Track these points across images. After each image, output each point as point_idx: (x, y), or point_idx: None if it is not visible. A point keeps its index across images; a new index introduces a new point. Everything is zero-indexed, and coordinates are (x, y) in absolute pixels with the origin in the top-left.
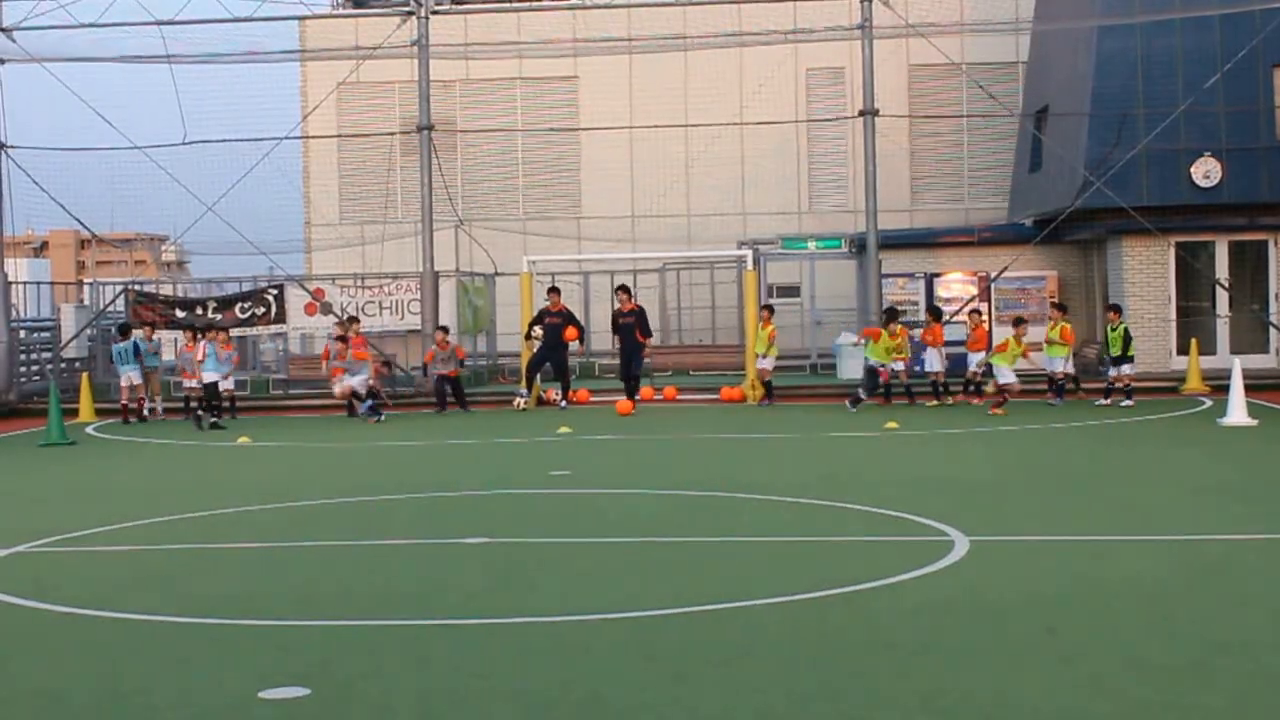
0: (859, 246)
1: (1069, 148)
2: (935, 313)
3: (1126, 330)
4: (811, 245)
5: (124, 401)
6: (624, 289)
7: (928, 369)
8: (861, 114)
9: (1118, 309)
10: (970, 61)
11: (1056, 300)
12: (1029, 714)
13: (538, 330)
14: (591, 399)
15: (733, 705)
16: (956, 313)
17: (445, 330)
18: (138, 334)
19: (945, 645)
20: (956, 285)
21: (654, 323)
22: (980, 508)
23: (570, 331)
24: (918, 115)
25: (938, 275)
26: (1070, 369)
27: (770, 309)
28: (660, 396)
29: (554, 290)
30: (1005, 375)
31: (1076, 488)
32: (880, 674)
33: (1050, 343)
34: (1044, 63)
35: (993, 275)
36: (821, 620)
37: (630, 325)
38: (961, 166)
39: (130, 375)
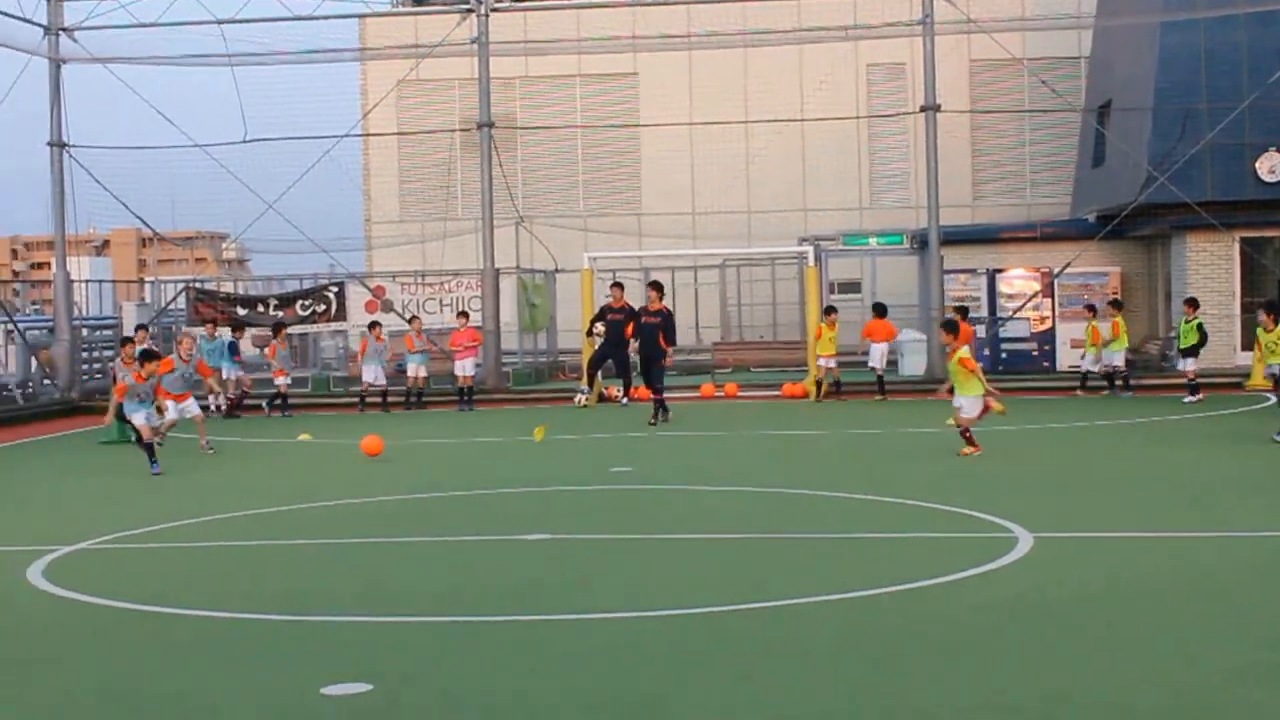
0: (921, 242)
1: (1132, 143)
2: (961, 311)
3: (1201, 325)
4: (873, 241)
5: (224, 396)
6: (655, 285)
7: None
8: (923, 109)
9: (1195, 303)
10: (1032, 57)
11: (1116, 298)
12: (1090, 712)
13: (600, 327)
14: (652, 396)
15: (795, 703)
16: (1019, 309)
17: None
18: (222, 333)
19: (1007, 642)
20: (1019, 281)
21: (714, 318)
22: (1043, 504)
23: (632, 328)
24: (979, 110)
25: (1000, 271)
26: (1116, 363)
27: (833, 310)
28: (722, 393)
29: (617, 286)
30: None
31: (1140, 484)
32: (942, 672)
33: (1108, 340)
34: (1106, 57)
35: (1055, 271)
36: (884, 617)
37: (654, 327)
38: (1024, 162)
39: (235, 373)
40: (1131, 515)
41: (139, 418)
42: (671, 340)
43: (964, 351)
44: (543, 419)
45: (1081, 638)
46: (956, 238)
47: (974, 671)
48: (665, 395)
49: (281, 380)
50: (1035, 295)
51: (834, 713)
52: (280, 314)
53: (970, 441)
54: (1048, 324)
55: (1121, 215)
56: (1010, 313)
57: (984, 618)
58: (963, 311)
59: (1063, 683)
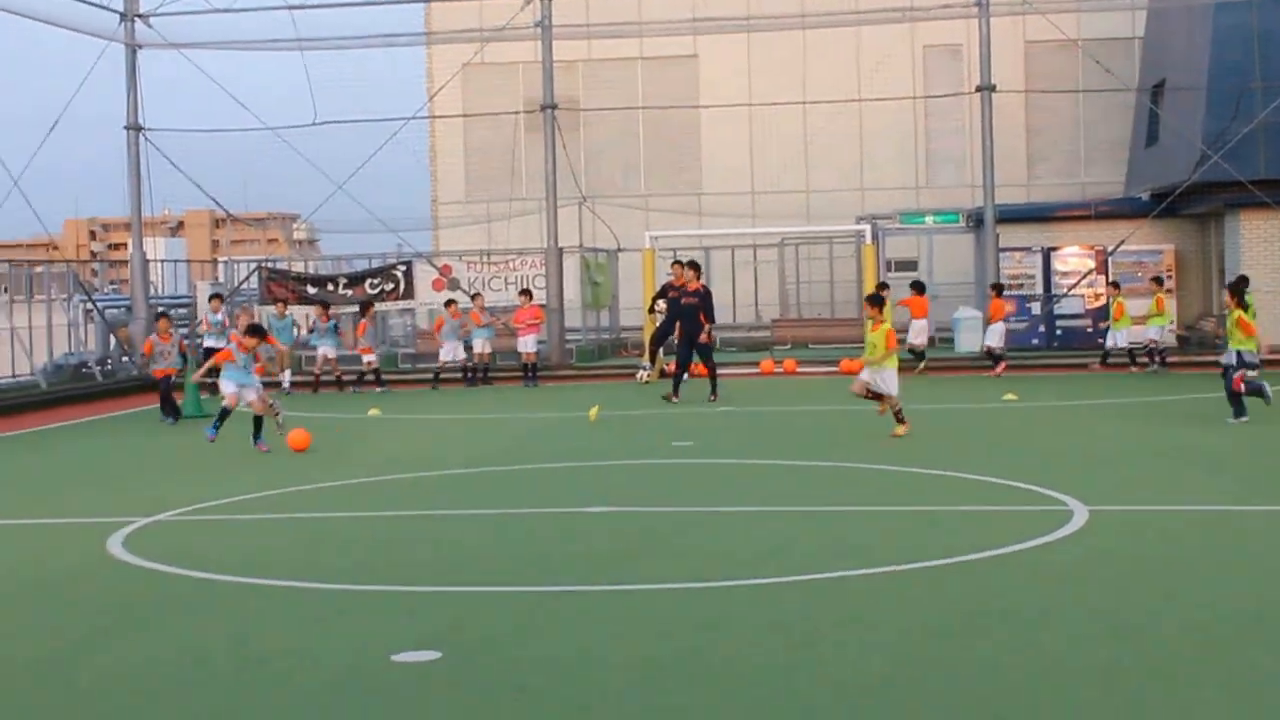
0: (976, 221)
1: (1186, 122)
2: (997, 289)
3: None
4: (929, 220)
5: (317, 373)
6: (693, 265)
7: (987, 342)
8: (979, 90)
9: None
10: (1086, 37)
11: (1157, 275)
12: (1148, 680)
13: (661, 304)
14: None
15: (856, 671)
16: (1074, 286)
17: (167, 318)
18: (292, 311)
19: (1063, 615)
20: (1073, 259)
21: (773, 296)
22: (1099, 478)
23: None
24: (1034, 91)
25: (1054, 249)
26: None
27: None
28: (781, 369)
29: (678, 264)
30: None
31: (1195, 458)
32: (999, 643)
33: (1147, 316)
34: (1160, 37)
35: (1109, 249)
36: (941, 589)
37: (694, 307)
38: (1078, 141)
39: (326, 350)
40: (1186, 490)
41: (229, 387)
42: (711, 318)
43: (889, 326)
44: (605, 395)
45: (1138, 609)
46: (1012, 216)
47: (1033, 642)
48: (707, 374)
49: (369, 357)
50: (1089, 273)
51: (894, 682)
52: (350, 293)
53: (900, 420)
54: (1101, 300)
55: (1175, 194)
56: (1065, 290)
57: (1042, 589)
58: (919, 287)
59: (1119, 653)
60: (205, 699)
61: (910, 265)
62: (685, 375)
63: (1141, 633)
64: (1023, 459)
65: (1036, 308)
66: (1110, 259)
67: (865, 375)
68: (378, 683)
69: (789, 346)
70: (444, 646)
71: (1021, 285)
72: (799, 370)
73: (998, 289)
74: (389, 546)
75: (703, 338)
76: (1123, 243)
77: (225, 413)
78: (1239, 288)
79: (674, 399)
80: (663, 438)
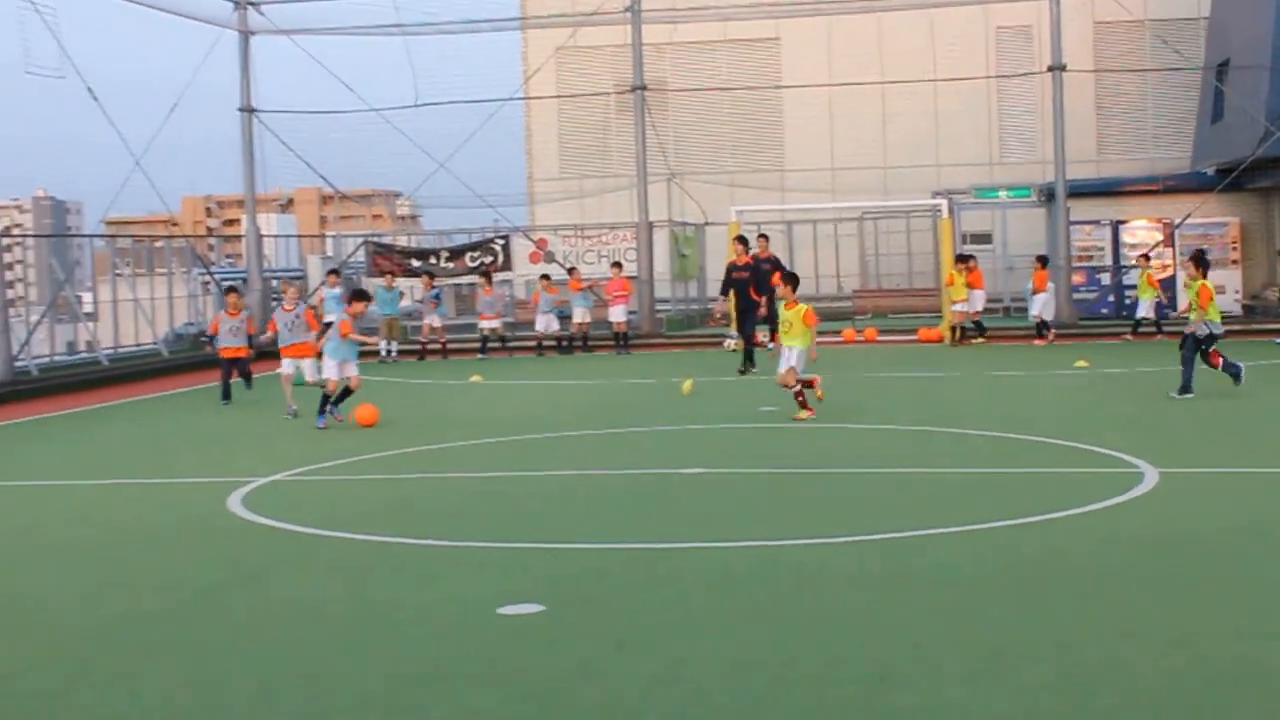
0: (1048, 195)
1: (1250, 99)
2: (1042, 260)
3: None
4: (1003, 194)
5: (423, 341)
6: (742, 240)
7: (1034, 312)
8: (1050, 70)
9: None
10: (1154, 18)
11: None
12: (1218, 638)
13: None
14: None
15: (931, 628)
16: (1141, 256)
17: (237, 292)
18: (399, 283)
19: (1136, 574)
20: (1141, 231)
21: (853, 267)
22: (1171, 442)
23: (777, 277)
24: (1104, 70)
25: (1123, 222)
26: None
27: (963, 258)
28: (861, 338)
29: (763, 237)
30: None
31: (1263, 422)
32: (1074, 601)
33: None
34: (1225, 18)
35: (1176, 222)
36: (1014, 548)
37: (745, 281)
38: (1146, 118)
39: (430, 320)
40: (1258, 454)
41: (331, 370)
42: (762, 291)
43: (808, 307)
44: (693, 363)
45: (1208, 569)
46: (1082, 190)
47: (1107, 601)
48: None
49: (487, 324)
50: (1157, 245)
51: (970, 640)
52: (451, 265)
53: (804, 405)
54: (1169, 272)
55: (1240, 168)
56: (1133, 261)
57: (1115, 549)
58: (1043, 260)
59: (1191, 612)
60: (320, 648)
61: (985, 239)
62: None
63: (1212, 590)
64: (1095, 423)
65: (1106, 279)
66: (1177, 231)
67: (793, 362)
68: (484, 634)
69: (869, 316)
70: (547, 600)
71: (1091, 257)
72: (879, 338)
73: (1043, 261)
74: (493, 505)
75: (762, 311)
76: (1189, 216)
77: (326, 399)
78: (1201, 259)
79: (750, 370)
80: (749, 403)
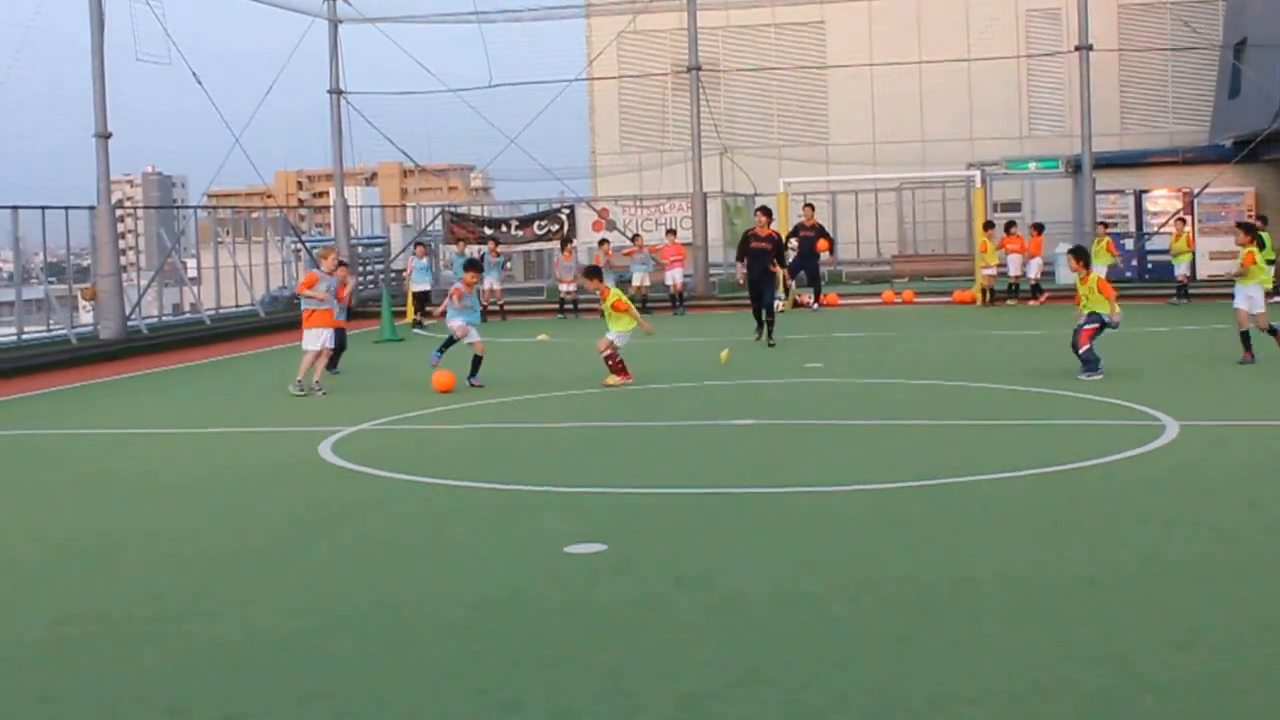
0: (1075, 167)
1: (1266, 76)
2: (1038, 227)
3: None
4: (1032, 166)
5: (484, 304)
6: (764, 210)
7: (1030, 275)
8: (1076, 49)
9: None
10: (1174, 0)
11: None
12: (1236, 576)
13: (793, 242)
14: (840, 301)
15: (972, 566)
16: (1164, 224)
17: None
18: (473, 249)
19: (1158, 518)
20: (1163, 200)
21: (892, 234)
22: (1189, 396)
23: (822, 243)
24: (1126, 49)
25: (1145, 192)
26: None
27: (991, 225)
28: (900, 300)
29: (808, 206)
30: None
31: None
32: (1100, 541)
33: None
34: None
35: (1195, 191)
36: (1045, 494)
37: (765, 252)
38: (1166, 94)
39: (493, 283)
40: (1272, 406)
41: (457, 320)
42: (783, 263)
43: (616, 294)
44: (744, 324)
45: (1228, 514)
46: (1106, 162)
47: (1131, 540)
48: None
49: (565, 287)
50: (1177, 213)
51: (1008, 576)
52: (521, 233)
53: (618, 370)
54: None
55: (1256, 141)
56: (1155, 228)
57: (1137, 496)
58: (1039, 227)
59: (1210, 550)
60: (404, 581)
61: (1015, 207)
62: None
63: (1230, 534)
64: (1117, 379)
65: (1129, 244)
66: (1196, 200)
67: (609, 335)
68: (552, 570)
69: (907, 279)
70: (610, 540)
71: (1116, 224)
72: (916, 300)
73: (1039, 228)
74: (561, 452)
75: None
76: (1208, 185)
77: (451, 341)
78: (1250, 227)
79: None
80: (796, 360)
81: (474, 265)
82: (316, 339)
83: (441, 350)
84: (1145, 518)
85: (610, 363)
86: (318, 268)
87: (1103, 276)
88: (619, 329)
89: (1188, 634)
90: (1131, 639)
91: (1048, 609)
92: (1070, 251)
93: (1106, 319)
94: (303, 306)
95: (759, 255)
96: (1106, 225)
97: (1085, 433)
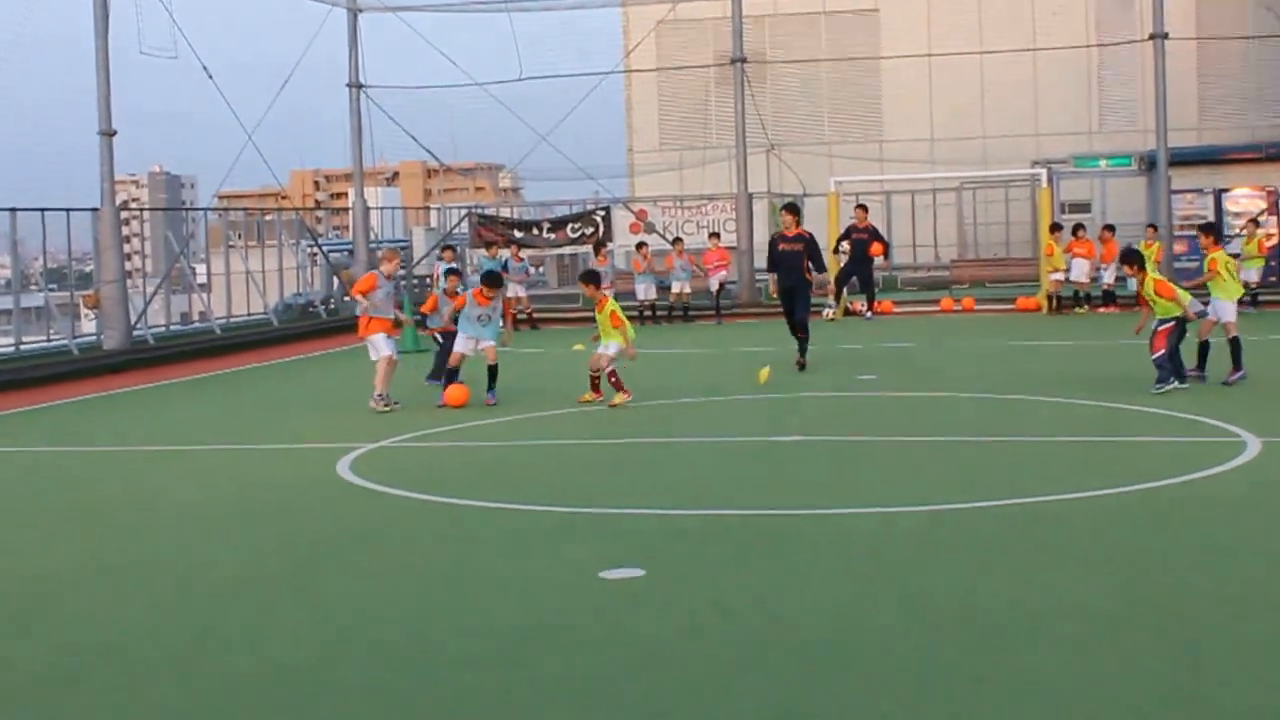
0: (1149, 164)
1: None
2: (1110, 229)
3: None
4: (1103, 164)
5: (512, 312)
6: (791, 209)
7: (1105, 278)
8: (1151, 38)
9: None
10: None
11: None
12: None
13: (845, 245)
14: (895, 309)
15: (1043, 595)
16: (1243, 227)
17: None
18: (504, 253)
19: (1240, 542)
20: (1244, 200)
21: (952, 237)
22: (1272, 410)
23: (876, 247)
24: (1205, 37)
25: (1225, 191)
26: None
27: (1058, 227)
28: (959, 307)
29: (860, 208)
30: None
31: None
32: (1177, 568)
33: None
34: None
35: None
36: (1115, 517)
37: (797, 254)
38: (1247, 85)
39: (516, 289)
40: None
41: (461, 344)
42: (820, 266)
43: (613, 306)
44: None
45: None
46: (1183, 159)
47: (1211, 566)
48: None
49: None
50: (1261, 213)
51: (1076, 605)
52: (553, 236)
53: (620, 387)
54: (1274, 240)
55: None
56: (1236, 229)
57: (1217, 517)
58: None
59: None
60: (429, 609)
61: (1084, 208)
62: (873, 308)
63: None
64: (1193, 393)
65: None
66: None
67: (607, 351)
68: (586, 597)
69: (967, 285)
70: (648, 565)
71: (1194, 226)
72: (977, 308)
73: (1111, 229)
74: (595, 471)
75: (816, 289)
76: None
77: (454, 372)
78: (1133, 257)
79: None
80: (847, 371)
81: (493, 279)
82: (386, 346)
83: (445, 381)
84: (1225, 542)
85: (612, 379)
86: (378, 269)
87: (1254, 277)
88: (614, 342)
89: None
90: (1215, 677)
91: (1120, 642)
92: (1121, 258)
93: (1183, 317)
94: (357, 312)
95: (789, 259)
96: (1258, 223)
97: (1158, 450)
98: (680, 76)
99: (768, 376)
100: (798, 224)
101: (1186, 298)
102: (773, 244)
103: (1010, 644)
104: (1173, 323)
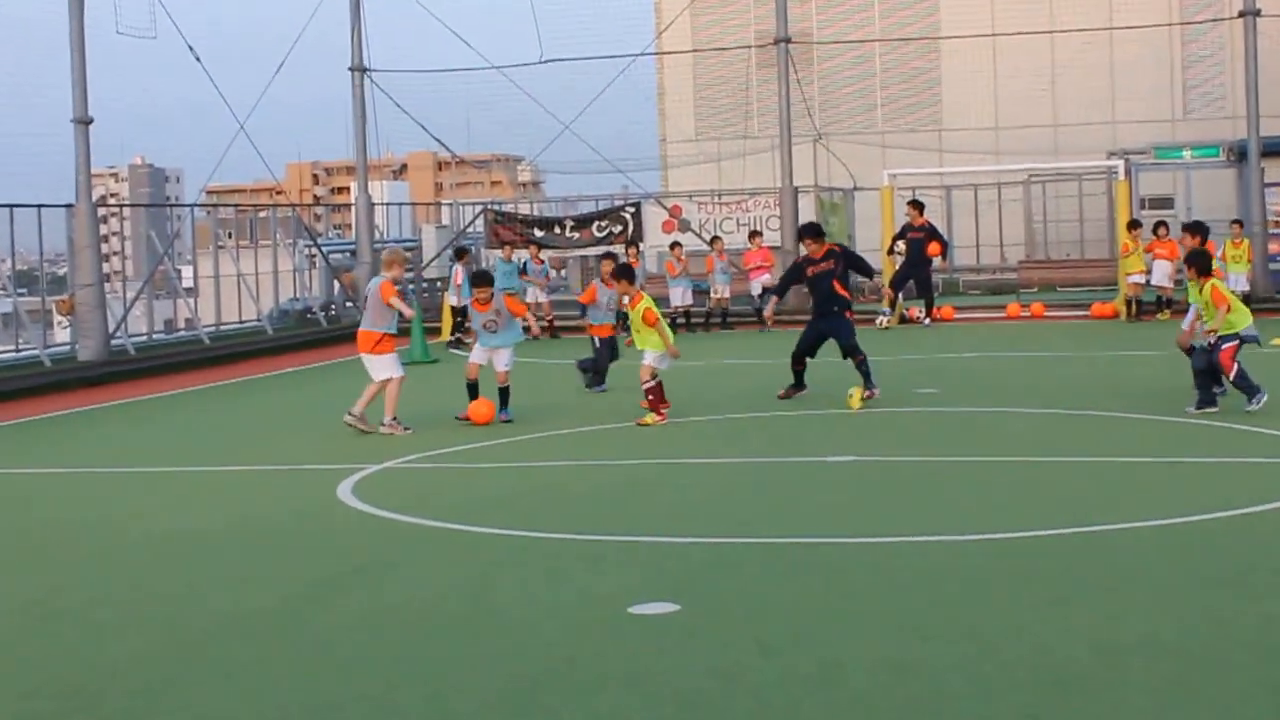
0: (1239, 154)
1: None
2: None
3: None
4: (1187, 154)
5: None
6: (810, 230)
7: (1156, 281)
8: (1241, 15)
9: None
10: None
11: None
12: None
13: (900, 245)
14: (956, 316)
15: (1115, 630)
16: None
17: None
18: (522, 254)
19: None
20: None
21: (1019, 236)
22: None
23: (934, 247)
24: None
25: None
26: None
27: (1137, 224)
28: (1028, 313)
29: (913, 204)
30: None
31: None
32: (1271, 601)
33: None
34: None
35: None
36: (1201, 545)
37: (827, 274)
38: None
39: (536, 293)
40: None
41: (476, 354)
42: (867, 271)
43: (647, 303)
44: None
45: None
46: (1277, 149)
47: None
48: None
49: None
50: None
51: (1158, 642)
52: (577, 235)
53: (657, 404)
54: None
55: None
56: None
57: None
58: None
59: None
60: (439, 648)
61: (1166, 202)
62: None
63: None
64: None
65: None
66: None
67: (647, 359)
68: (614, 634)
69: (1036, 289)
70: (682, 598)
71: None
72: (1046, 314)
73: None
74: (624, 494)
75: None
76: None
77: (473, 387)
78: (1199, 259)
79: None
80: (904, 385)
81: (479, 278)
82: (399, 365)
83: (470, 395)
84: None
85: (650, 395)
86: (388, 275)
87: (1243, 285)
88: (651, 348)
89: None
90: None
91: (1209, 682)
92: (1186, 260)
93: (1243, 333)
94: (373, 326)
95: (820, 283)
96: (1242, 224)
97: (1246, 472)
98: (718, 59)
99: (861, 401)
100: (821, 246)
101: (1245, 320)
102: (798, 269)
103: (1083, 685)
104: (1236, 341)
